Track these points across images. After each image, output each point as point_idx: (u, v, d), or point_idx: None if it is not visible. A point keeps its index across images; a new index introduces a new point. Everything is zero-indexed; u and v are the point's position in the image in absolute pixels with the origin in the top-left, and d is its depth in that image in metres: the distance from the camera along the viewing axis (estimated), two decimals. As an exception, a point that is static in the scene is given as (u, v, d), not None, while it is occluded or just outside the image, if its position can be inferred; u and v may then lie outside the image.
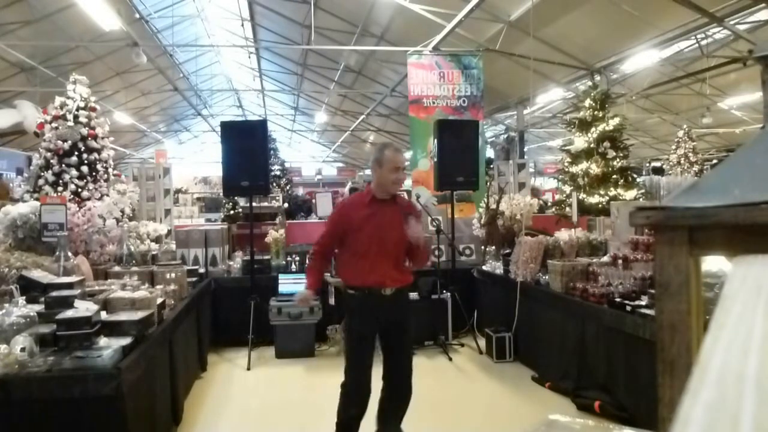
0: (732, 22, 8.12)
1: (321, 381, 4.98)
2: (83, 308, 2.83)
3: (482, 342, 5.71)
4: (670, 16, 8.35)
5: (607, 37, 9.65)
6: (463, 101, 9.12)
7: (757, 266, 0.82)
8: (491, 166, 11.80)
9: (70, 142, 5.70)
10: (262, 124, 6.62)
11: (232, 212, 11.21)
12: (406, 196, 9.71)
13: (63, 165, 5.66)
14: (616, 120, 8.49)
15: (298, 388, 4.82)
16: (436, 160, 6.36)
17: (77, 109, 5.82)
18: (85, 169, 5.71)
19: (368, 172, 29.24)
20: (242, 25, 16.03)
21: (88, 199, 5.55)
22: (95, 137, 5.87)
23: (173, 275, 4.49)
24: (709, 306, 0.95)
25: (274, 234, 6.59)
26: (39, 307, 2.88)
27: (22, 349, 2.51)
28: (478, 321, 6.16)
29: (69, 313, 2.74)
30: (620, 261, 4.37)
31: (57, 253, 3.94)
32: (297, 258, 6.38)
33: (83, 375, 2.50)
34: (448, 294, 6.03)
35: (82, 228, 4.94)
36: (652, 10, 8.34)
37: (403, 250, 3.30)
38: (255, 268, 5.99)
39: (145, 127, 21.83)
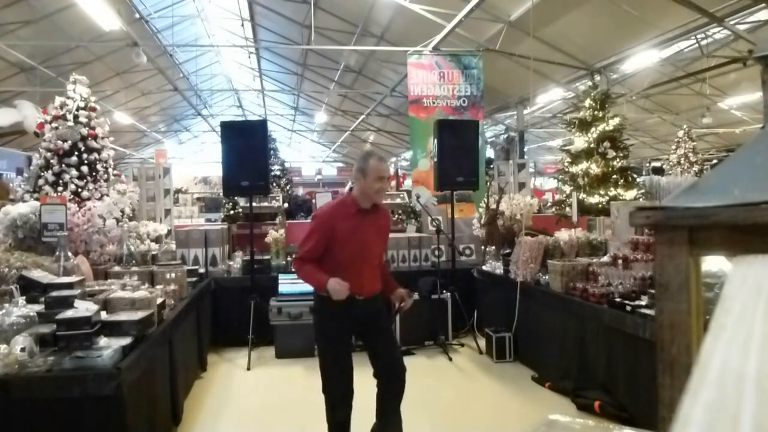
0: (732, 22, 8.13)
1: (321, 381, 4.98)
2: (83, 308, 2.83)
3: (482, 342, 5.71)
4: (670, 16, 8.36)
5: (607, 37, 9.65)
6: (463, 101, 9.13)
7: (757, 266, 0.82)
8: (491, 166, 11.81)
9: (70, 142, 5.70)
10: (262, 124, 6.62)
11: (232, 212, 11.21)
12: (406, 197, 9.77)
13: (63, 165, 5.66)
14: (616, 120, 8.49)
15: (298, 388, 4.82)
16: (436, 160, 6.36)
17: (77, 109, 5.82)
18: (85, 169, 5.71)
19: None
20: (242, 25, 16.03)
21: (88, 199, 5.55)
22: (95, 137, 5.88)
23: (173, 275, 4.49)
24: (709, 306, 0.95)
25: (274, 234, 6.59)
26: (39, 307, 2.88)
27: (22, 349, 2.50)
28: (478, 321, 6.16)
29: (69, 313, 2.74)
30: (620, 261, 4.37)
31: (57, 253, 3.93)
32: (297, 258, 6.37)
33: (83, 375, 2.50)
34: (448, 294, 6.03)
35: (82, 228, 4.94)
36: (652, 10, 8.34)
37: (381, 260, 3.37)
38: (255, 268, 5.99)
39: (145, 127, 21.84)
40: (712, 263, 1.16)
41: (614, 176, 8.23)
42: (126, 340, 2.81)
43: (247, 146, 5.83)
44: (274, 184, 15.29)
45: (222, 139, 5.94)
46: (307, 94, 20.82)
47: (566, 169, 8.74)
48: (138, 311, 3.16)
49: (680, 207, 0.95)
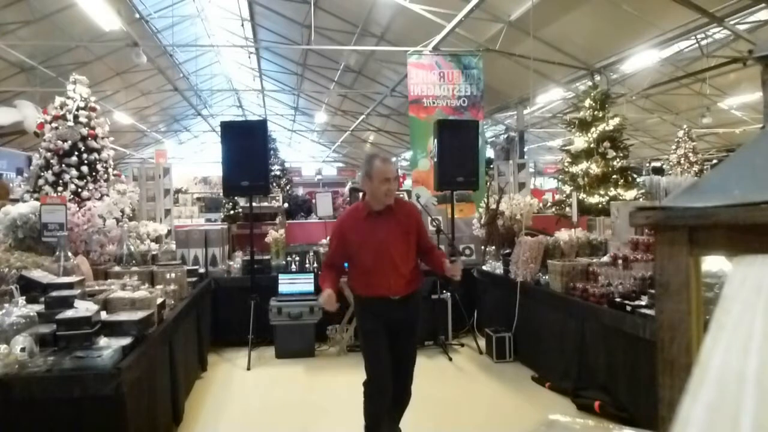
0: (732, 22, 8.12)
1: (321, 381, 4.99)
2: (83, 308, 2.83)
3: (482, 342, 5.71)
4: (670, 16, 8.36)
5: (607, 37, 9.65)
6: (463, 101, 9.12)
7: (757, 266, 0.82)
8: (491, 166, 11.80)
9: (70, 142, 5.70)
10: (262, 124, 6.62)
11: (232, 212, 11.22)
12: (405, 197, 9.76)
13: (63, 165, 5.66)
14: (616, 120, 8.49)
15: (298, 388, 4.82)
16: (436, 160, 6.36)
17: (77, 109, 5.82)
18: (85, 169, 5.71)
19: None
20: (242, 25, 16.03)
21: (88, 199, 5.55)
22: (95, 137, 5.87)
23: (173, 275, 4.49)
24: (709, 306, 0.95)
25: (274, 234, 6.59)
26: (39, 307, 2.88)
27: (22, 349, 2.50)
28: (478, 321, 6.16)
29: (69, 313, 2.74)
30: (620, 261, 4.37)
31: (57, 253, 3.94)
32: (297, 258, 6.38)
33: (83, 375, 2.50)
34: (448, 294, 6.03)
35: (82, 228, 4.95)
36: (652, 10, 8.34)
37: (412, 257, 3.29)
38: (255, 268, 5.99)
39: (145, 127, 21.83)
40: (712, 263, 1.16)
41: (614, 176, 8.23)
42: (126, 340, 2.81)
43: (247, 146, 5.82)
44: (274, 184, 15.30)
45: (222, 139, 5.93)
46: (307, 94, 20.81)
47: (566, 169, 8.74)
48: (138, 311, 3.16)
49: (680, 207, 0.95)
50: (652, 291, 3.72)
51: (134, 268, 4.59)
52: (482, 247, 6.64)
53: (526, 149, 14.67)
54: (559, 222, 6.88)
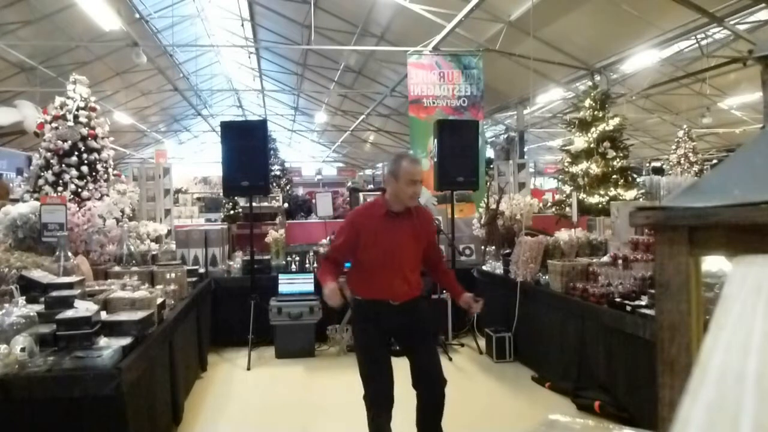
0: (732, 22, 8.12)
1: (321, 381, 4.99)
2: (83, 308, 2.83)
3: (482, 342, 5.71)
4: (670, 16, 8.36)
5: (607, 37, 9.65)
6: (463, 101, 9.12)
7: (757, 266, 0.82)
8: (491, 166, 11.80)
9: (70, 142, 5.70)
10: (262, 124, 6.62)
11: (232, 212, 11.21)
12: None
13: (63, 165, 5.66)
14: (616, 120, 8.49)
15: (298, 388, 4.82)
16: (436, 160, 6.36)
17: (77, 109, 5.82)
18: (85, 169, 5.71)
19: (368, 172, 29.30)
20: (242, 25, 16.03)
21: (88, 199, 5.55)
22: (95, 137, 5.87)
23: (173, 275, 4.49)
24: (709, 306, 0.95)
25: (274, 234, 6.59)
26: (39, 307, 2.88)
27: (22, 349, 2.50)
28: (478, 321, 6.15)
29: (69, 313, 2.74)
30: (620, 261, 4.37)
31: (57, 253, 3.93)
32: (297, 258, 6.38)
33: (83, 375, 2.49)
34: (448, 294, 6.02)
35: (82, 228, 4.94)
36: (652, 10, 8.34)
37: (417, 265, 3.20)
38: (255, 268, 5.99)
39: (145, 127, 21.83)
40: (712, 263, 1.16)
41: (614, 176, 8.23)
42: (126, 340, 2.81)
43: (247, 146, 5.82)
44: (274, 184, 15.30)
45: (222, 139, 5.94)
46: (307, 94, 20.81)
47: (566, 169, 8.74)
48: (138, 311, 3.16)
49: (680, 207, 0.95)
50: (652, 291, 3.72)
51: (134, 268, 4.59)
52: (482, 247, 6.64)
53: (526, 149, 14.68)
54: (559, 222, 6.88)
